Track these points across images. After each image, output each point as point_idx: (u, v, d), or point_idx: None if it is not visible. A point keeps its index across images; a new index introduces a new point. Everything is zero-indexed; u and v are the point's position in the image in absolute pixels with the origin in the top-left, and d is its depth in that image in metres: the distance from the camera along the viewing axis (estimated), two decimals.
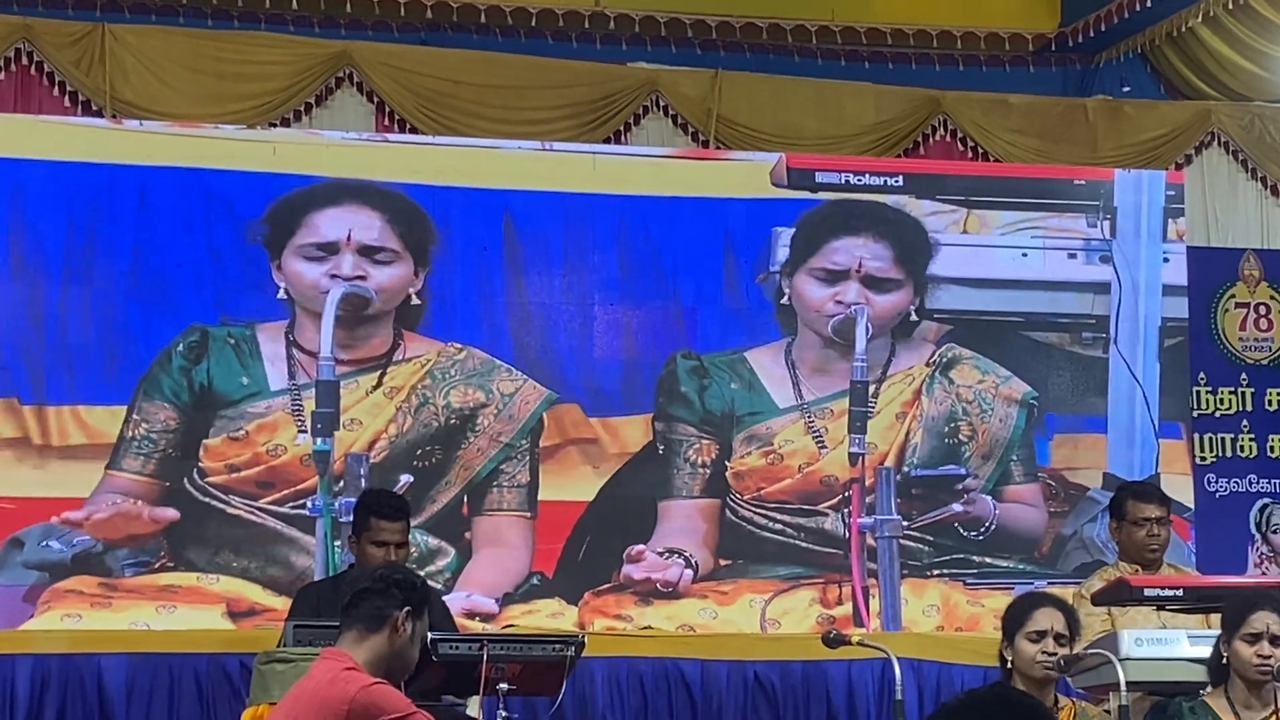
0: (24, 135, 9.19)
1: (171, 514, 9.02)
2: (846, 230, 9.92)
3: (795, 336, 9.85)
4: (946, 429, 9.93)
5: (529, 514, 9.46)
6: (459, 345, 9.51)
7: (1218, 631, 6.34)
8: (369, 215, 9.42)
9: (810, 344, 9.86)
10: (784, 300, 9.83)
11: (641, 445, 9.65)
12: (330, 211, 9.37)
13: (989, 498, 9.90)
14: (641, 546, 9.51)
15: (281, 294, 9.28)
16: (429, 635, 5.96)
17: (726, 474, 9.68)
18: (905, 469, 9.82)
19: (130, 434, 9.05)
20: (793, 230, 9.85)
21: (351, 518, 7.72)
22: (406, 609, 5.30)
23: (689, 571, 9.54)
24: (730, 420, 9.73)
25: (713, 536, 9.63)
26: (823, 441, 9.77)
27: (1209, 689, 6.23)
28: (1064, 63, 11.11)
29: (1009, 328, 10.15)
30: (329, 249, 9.34)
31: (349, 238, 9.35)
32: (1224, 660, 6.16)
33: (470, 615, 9.11)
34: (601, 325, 9.71)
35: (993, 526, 9.89)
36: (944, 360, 10.00)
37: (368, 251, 9.37)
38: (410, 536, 7.71)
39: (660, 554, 9.53)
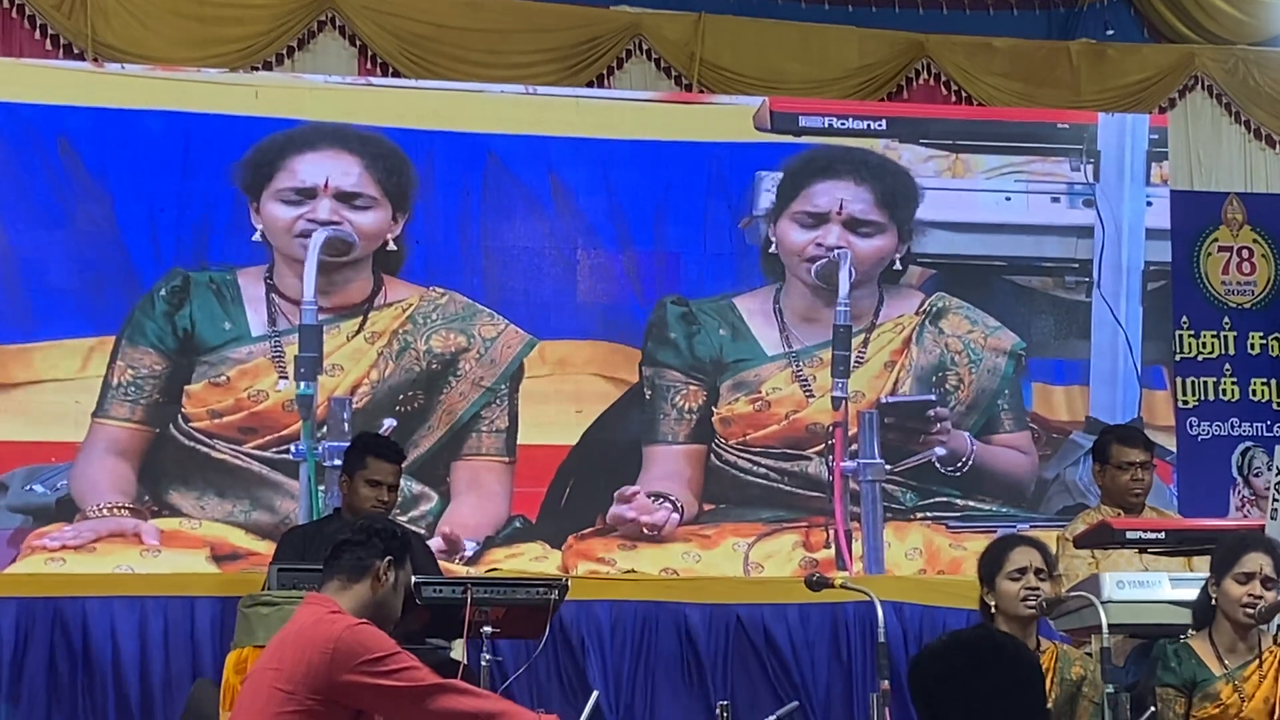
0: (5, 78, 9.16)
1: (153, 540, 9.00)
2: (829, 174, 9.92)
3: (783, 283, 9.86)
4: (935, 378, 9.94)
5: (507, 459, 9.47)
6: (441, 290, 9.50)
7: (1200, 574, 6.37)
8: (347, 161, 9.40)
9: (797, 291, 9.86)
10: (771, 249, 9.83)
11: (625, 390, 9.66)
12: (309, 156, 9.36)
13: (966, 434, 9.92)
14: (635, 488, 9.53)
15: (258, 237, 9.26)
16: (413, 579, 5.97)
17: (713, 419, 9.69)
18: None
19: (115, 380, 9.05)
20: (779, 176, 9.84)
21: (343, 458, 7.71)
22: (388, 558, 5.31)
23: (675, 516, 9.56)
24: (718, 367, 9.74)
25: (697, 481, 9.65)
26: (810, 390, 9.78)
27: (1192, 632, 6.25)
28: (1047, 6, 11.08)
29: (992, 272, 10.16)
30: (306, 194, 9.32)
31: (326, 184, 9.33)
32: (1212, 602, 6.18)
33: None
34: (585, 269, 9.70)
35: (969, 462, 9.91)
36: (934, 309, 10.01)
37: (345, 198, 9.36)
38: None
39: (650, 497, 9.54)
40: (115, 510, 8.98)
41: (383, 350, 9.37)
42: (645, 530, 9.49)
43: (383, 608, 5.33)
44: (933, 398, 9.89)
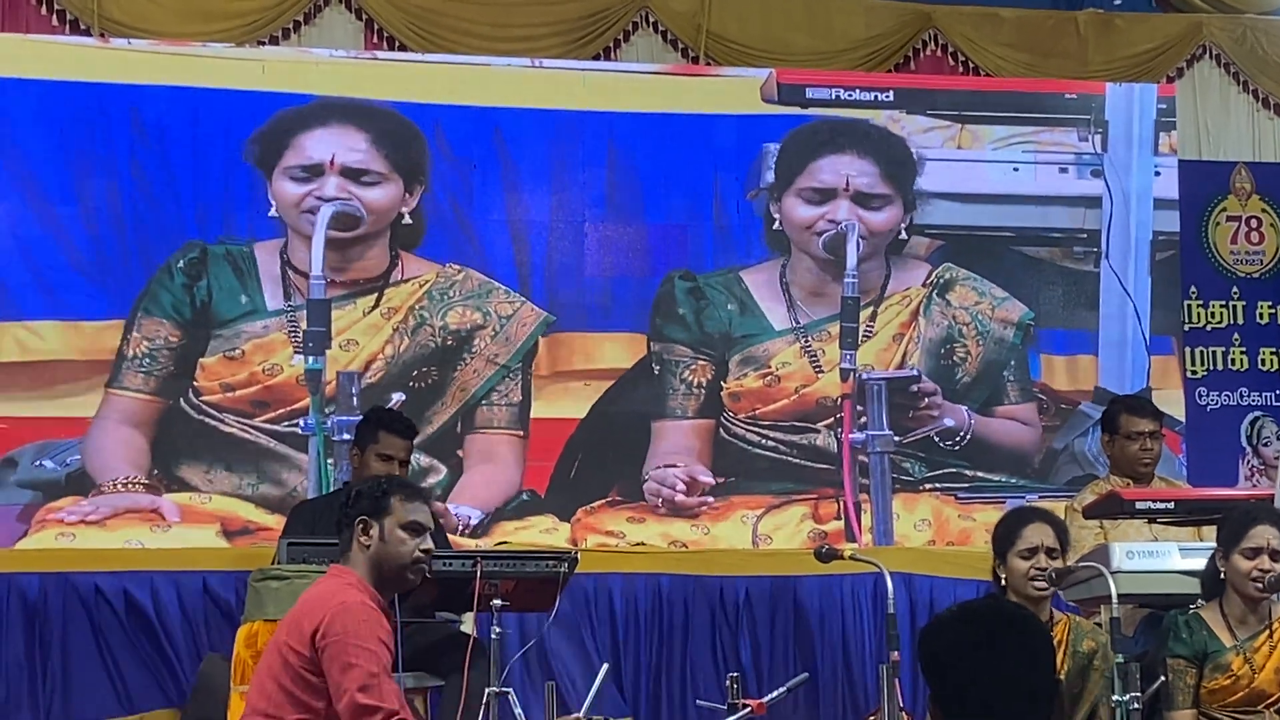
0: (12, 55, 9.15)
1: (173, 516, 9.01)
2: (831, 149, 9.91)
3: (789, 258, 9.85)
4: (943, 350, 9.94)
5: (520, 433, 9.48)
6: (458, 266, 9.50)
7: (1209, 544, 6.38)
8: (355, 137, 9.39)
9: (804, 266, 9.85)
10: (775, 226, 9.82)
11: (633, 363, 9.66)
12: (318, 133, 9.35)
13: (963, 407, 9.93)
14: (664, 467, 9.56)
15: (274, 212, 9.27)
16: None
17: (722, 394, 9.69)
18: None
19: (130, 351, 9.05)
20: (777, 152, 9.83)
21: (355, 432, 7.71)
22: (360, 521, 5.32)
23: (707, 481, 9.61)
24: (726, 341, 9.73)
25: (706, 455, 9.64)
26: (819, 365, 9.78)
27: (1202, 603, 6.26)
28: None
29: (1000, 243, 10.15)
30: (313, 171, 9.32)
31: (333, 160, 9.32)
32: (1220, 575, 6.18)
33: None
34: (592, 242, 9.70)
35: (968, 436, 9.91)
36: (941, 281, 10.00)
37: (352, 174, 9.35)
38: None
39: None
40: (131, 485, 8.99)
41: (398, 326, 9.37)
42: (660, 503, 9.52)
43: (380, 564, 5.33)
44: (914, 373, 9.89)
